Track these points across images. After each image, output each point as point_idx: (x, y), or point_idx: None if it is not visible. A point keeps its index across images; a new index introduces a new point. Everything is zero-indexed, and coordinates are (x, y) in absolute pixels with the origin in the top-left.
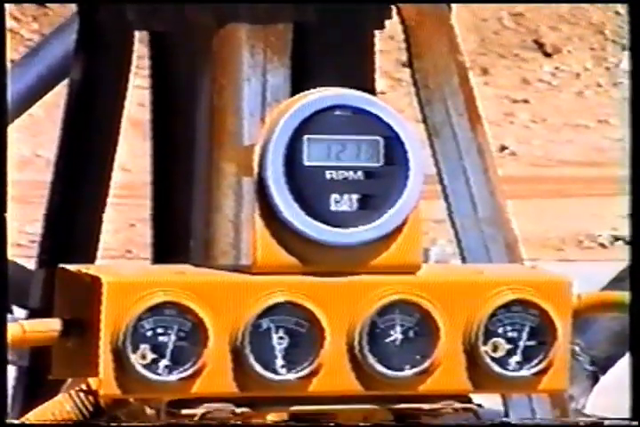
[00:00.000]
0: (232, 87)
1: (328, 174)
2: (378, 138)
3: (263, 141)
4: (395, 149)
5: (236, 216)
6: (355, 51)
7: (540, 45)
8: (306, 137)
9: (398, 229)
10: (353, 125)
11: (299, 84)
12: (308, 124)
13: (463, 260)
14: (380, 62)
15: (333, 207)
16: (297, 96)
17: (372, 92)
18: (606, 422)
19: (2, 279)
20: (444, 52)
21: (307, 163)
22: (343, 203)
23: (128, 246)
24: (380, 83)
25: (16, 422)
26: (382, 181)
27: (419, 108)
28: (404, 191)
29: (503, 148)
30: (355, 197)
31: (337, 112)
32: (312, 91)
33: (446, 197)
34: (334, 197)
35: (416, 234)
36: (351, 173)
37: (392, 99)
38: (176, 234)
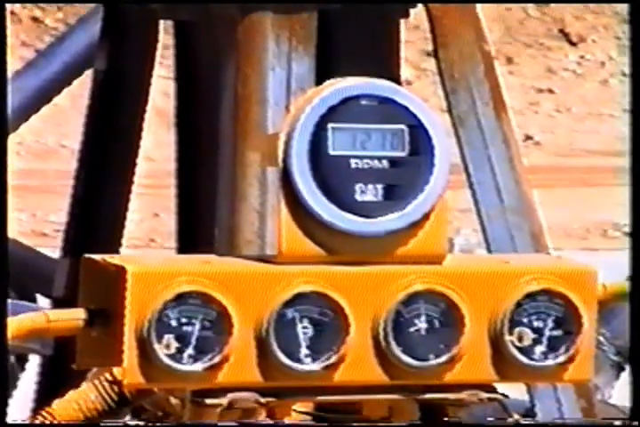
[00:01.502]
0: (257, 76)
1: (353, 164)
2: (403, 127)
3: (288, 130)
4: (420, 138)
5: (261, 205)
6: (380, 40)
7: (564, 34)
8: (331, 126)
9: (424, 219)
10: (378, 114)
11: (323, 74)
12: (332, 113)
13: (488, 249)
14: (405, 52)
15: (358, 197)
16: (322, 85)
17: (398, 81)
18: (606, 423)
19: (2, 280)
20: (469, 41)
21: (332, 152)
22: (368, 192)
23: (152, 236)
24: (406, 72)
25: (16, 422)
26: (407, 171)
27: (444, 98)
28: (429, 181)
29: (528, 137)
30: (380, 186)
31: (362, 101)
32: (337, 80)
33: (471, 187)
34: (359, 186)
35: (441, 224)
36: (376, 162)
37: (417, 89)
38: (201, 223)
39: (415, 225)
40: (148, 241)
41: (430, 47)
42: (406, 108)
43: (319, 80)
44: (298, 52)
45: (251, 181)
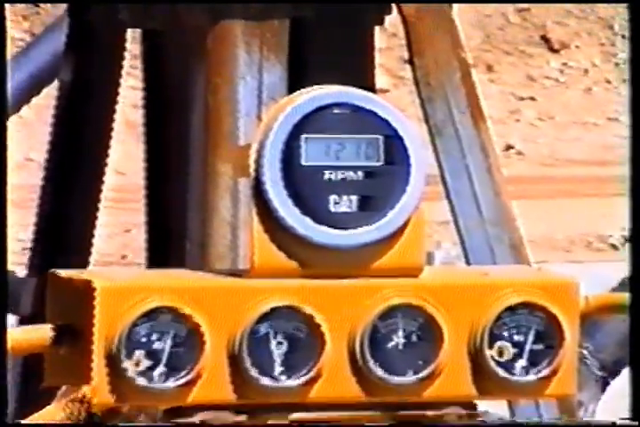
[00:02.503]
0: (227, 86)
1: (327, 174)
2: (378, 136)
3: (260, 141)
4: (395, 147)
5: (233, 218)
6: (354, 47)
7: (546, 41)
8: (304, 136)
9: (400, 231)
10: (352, 124)
11: (296, 83)
12: (305, 123)
13: (467, 262)
14: (382, 60)
15: (333, 208)
16: (294, 94)
17: (372, 89)
18: (606, 423)
19: (2, 279)
20: (445, 49)
21: (305, 163)
22: (343, 204)
23: (123, 252)
24: (383, 80)
25: (16, 422)
26: (383, 181)
27: (420, 106)
28: (405, 191)
29: (509, 147)
30: (354, 197)
31: (335, 110)
32: (309, 89)
33: (449, 198)
34: (333, 197)
35: (418, 236)
36: (350, 172)
37: (395, 97)
38: (171, 238)
39: (391, 237)
40: (119, 257)
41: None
42: (381, 118)
43: (291, 89)
44: (269, 60)
45: (222, 193)
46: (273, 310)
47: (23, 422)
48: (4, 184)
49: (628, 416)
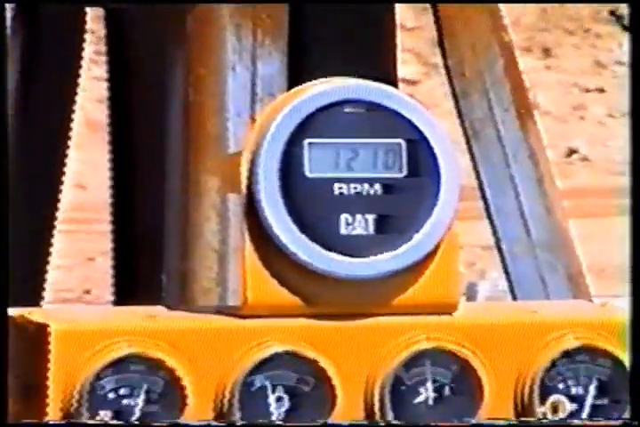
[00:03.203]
0: (213, 79)
1: (337, 189)
2: (399, 141)
3: (254, 148)
4: (422, 155)
5: (221, 244)
6: (369, 30)
7: (617, 17)
8: (307, 141)
9: (428, 258)
10: (368, 126)
11: (297, 75)
12: (310, 125)
13: (513, 295)
14: (410, 42)
15: (344, 231)
16: (295, 89)
17: (394, 82)
18: (605, 423)
19: (2, 280)
20: (484, 29)
21: (309, 174)
22: (357, 225)
23: (86, 286)
24: (411, 69)
25: (16, 422)
26: (406, 197)
27: (453, 103)
28: (434, 209)
29: (572, 151)
30: (371, 217)
31: (347, 109)
32: (315, 82)
33: (490, 216)
34: (345, 217)
35: (451, 264)
36: (366, 186)
37: (427, 90)
38: (144, 268)
39: (418, 266)
40: (82, 293)
41: None
42: (403, 117)
43: (292, 83)
44: (264, 47)
45: (207, 212)
46: (271, 357)
47: (23, 422)
48: (4, 184)
49: (627, 416)
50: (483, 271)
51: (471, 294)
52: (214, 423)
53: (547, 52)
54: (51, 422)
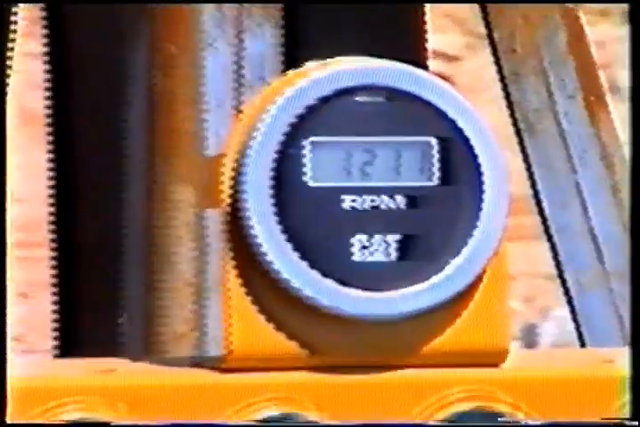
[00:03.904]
0: (186, 59)
1: (348, 202)
2: (430, 139)
3: (240, 149)
4: (459, 157)
5: (198, 275)
6: None
7: None
8: (310, 140)
9: (468, 292)
10: (388, 119)
11: (296, 53)
12: (312, 120)
13: (582, 340)
14: (446, 7)
15: (358, 257)
16: (293, 72)
17: (422, 62)
18: (605, 423)
19: (1, 280)
20: None
21: (312, 183)
22: (374, 249)
23: (19, 331)
24: (453, 41)
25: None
26: (438, 212)
27: (501, 87)
28: (475, 228)
29: None
30: (393, 238)
31: (361, 97)
32: (318, 63)
33: (550, 237)
34: (359, 239)
35: (499, 299)
36: (386, 198)
37: (472, 69)
38: (96, 306)
39: (454, 302)
40: (12, 340)
41: None
42: (436, 109)
43: (289, 63)
44: (252, 16)
45: (179, 233)
46: (265, 422)
47: (23, 422)
48: (4, 184)
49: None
50: (546, 309)
51: (531, 339)
52: (217, 423)
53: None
54: (51, 423)
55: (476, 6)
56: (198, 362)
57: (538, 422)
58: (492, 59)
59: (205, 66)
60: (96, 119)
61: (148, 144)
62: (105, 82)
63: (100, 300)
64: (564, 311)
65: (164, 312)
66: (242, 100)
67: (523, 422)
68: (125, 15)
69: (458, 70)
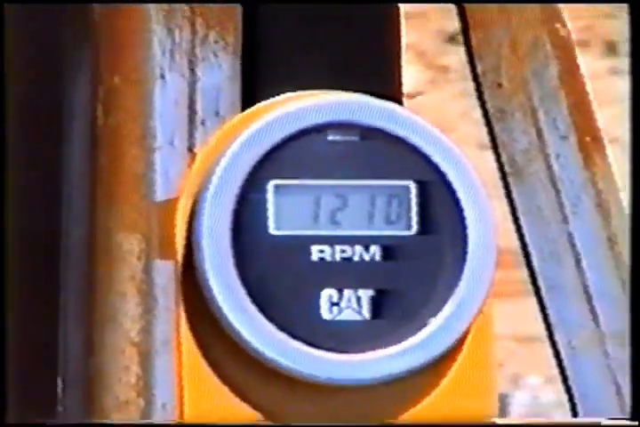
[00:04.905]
0: (132, 91)
1: (316, 253)
2: (408, 183)
3: (195, 193)
4: (439, 203)
5: (144, 334)
6: (361, 16)
7: None
8: (273, 184)
9: (450, 355)
10: (361, 161)
11: (256, 86)
12: (276, 161)
13: (574, 409)
14: (411, 36)
15: (327, 315)
16: (255, 108)
17: (397, 97)
18: (605, 423)
19: (1, 280)
20: (527, 19)
21: (275, 232)
22: (345, 306)
23: None
24: (412, 75)
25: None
26: (416, 265)
27: (484, 124)
28: (457, 284)
29: None
30: (366, 294)
31: (332, 136)
32: (283, 96)
33: (538, 294)
34: (328, 294)
35: (483, 362)
36: (358, 249)
37: (434, 106)
38: (28, 369)
39: (434, 366)
40: None
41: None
42: (415, 149)
43: (249, 97)
44: (208, 44)
45: (123, 288)
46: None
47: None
48: (4, 184)
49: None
50: (516, 376)
51: (500, 410)
52: (221, 424)
53: (610, 47)
54: (52, 423)
55: (440, 34)
56: None
57: (538, 423)
58: (454, 94)
59: (154, 99)
60: (29, 158)
61: (89, 186)
62: (40, 117)
63: (31, 362)
64: (537, 379)
65: (104, 376)
66: (195, 138)
67: (524, 423)
68: (64, 42)
69: (417, 108)
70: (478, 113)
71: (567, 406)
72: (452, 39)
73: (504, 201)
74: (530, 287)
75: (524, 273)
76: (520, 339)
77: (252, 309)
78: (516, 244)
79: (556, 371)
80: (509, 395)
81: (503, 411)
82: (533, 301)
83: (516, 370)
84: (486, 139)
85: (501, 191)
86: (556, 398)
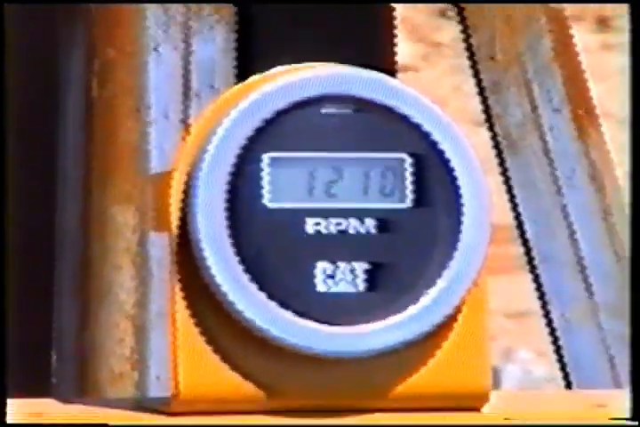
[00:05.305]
0: (126, 64)
1: (311, 225)
2: (402, 156)
3: (189, 166)
4: (434, 176)
5: (139, 307)
6: None
7: None
8: (268, 156)
9: (445, 327)
10: (356, 134)
11: (250, 59)
12: (271, 133)
13: (567, 381)
14: (405, 11)
15: (322, 287)
16: (249, 80)
17: (391, 69)
18: (606, 423)
19: (1, 280)
20: None
21: (270, 204)
22: (340, 278)
23: None
24: (405, 50)
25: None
26: (411, 237)
27: (479, 100)
28: (452, 255)
29: None
30: (361, 266)
31: (325, 109)
32: (277, 69)
33: (533, 268)
34: (323, 267)
35: (478, 335)
36: (353, 222)
37: (429, 81)
38: (23, 341)
39: (429, 338)
40: None
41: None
42: (409, 121)
43: (243, 70)
44: (202, 17)
45: (118, 261)
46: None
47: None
48: (5, 184)
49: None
50: (508, 350)
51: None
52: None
53: (602, 22)
54: (51, 423)
55: (433, 10)
56: (141, 404)
57: (538, 423)
58: (444, 69)
59: (148, 72)
60: (24, 132)
61: (83, 160)
62: (35, 91)
63: (27, 334)
64: (529, 353)
65: (100, 349)
66: (190, 111)
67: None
68: (58, 17)
69: (415, 83)
70: (471, 88)
71: (559, 380)
72: (443, 14)
73: (498, 176)
74: (523, 263)
75: (517, 249)
76: (513, 315)
77: (247, 281)
78: (509, 219)
79: (549, 346)
80: (500, 368)
81: (495, 385)
82: (526, 276)
83: (508, 343)
84: (479, 114)
85: (495, 165)
86: (548, 373)
